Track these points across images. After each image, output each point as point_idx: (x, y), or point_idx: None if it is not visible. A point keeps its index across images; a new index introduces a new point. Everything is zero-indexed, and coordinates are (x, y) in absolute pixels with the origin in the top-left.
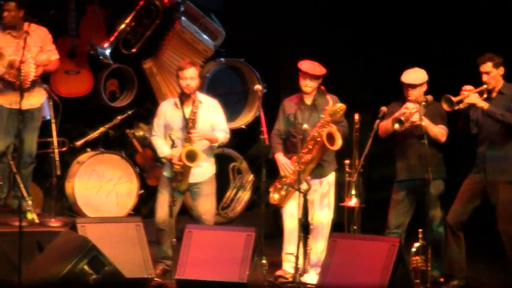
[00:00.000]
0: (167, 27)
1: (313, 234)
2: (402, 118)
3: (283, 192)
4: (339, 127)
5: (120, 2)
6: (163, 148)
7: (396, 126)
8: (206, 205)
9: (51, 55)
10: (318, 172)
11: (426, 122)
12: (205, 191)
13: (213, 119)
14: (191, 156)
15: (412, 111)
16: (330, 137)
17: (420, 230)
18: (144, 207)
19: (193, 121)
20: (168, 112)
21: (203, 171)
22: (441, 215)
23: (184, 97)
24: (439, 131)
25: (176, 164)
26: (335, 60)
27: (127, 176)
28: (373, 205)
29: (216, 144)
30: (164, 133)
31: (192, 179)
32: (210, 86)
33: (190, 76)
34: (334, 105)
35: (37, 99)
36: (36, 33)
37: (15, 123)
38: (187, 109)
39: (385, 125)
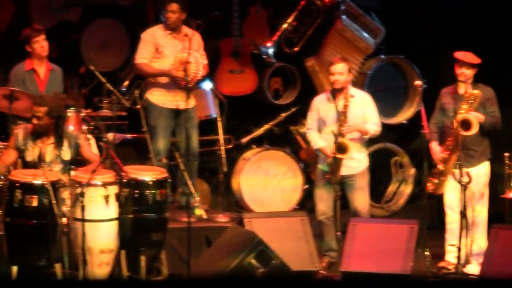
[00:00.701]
0: (328, 25)
1: (474, 226)
2: None
3: (436, 181)
4: (488, 117)
5: (281, 2)
6: (317, 140)
7: None
8: (360, 198)
9: (203, 60)
10: (468, 161)
11: None
12: (358, 183)
13: (365, 113)
14: (342, 149)
15: None
16: (466, 124)
17: None
18: (308, 202)
19: (345, 115)
20: (321, 106)
21: (356, 163)
22: None
23: (336, 91)
24: None
25: (329, 156)
26: (497, 54)
27: (292, 172)
28: None
29: (367, 136)
30: (317, 127)
31: (345, 171)
32: (371, 82)
33: (338, 71)
34: (470, 92)
35: (194, 99)
36: (193, 38)
37: (173, 122)
38: (340, 103)
39: None
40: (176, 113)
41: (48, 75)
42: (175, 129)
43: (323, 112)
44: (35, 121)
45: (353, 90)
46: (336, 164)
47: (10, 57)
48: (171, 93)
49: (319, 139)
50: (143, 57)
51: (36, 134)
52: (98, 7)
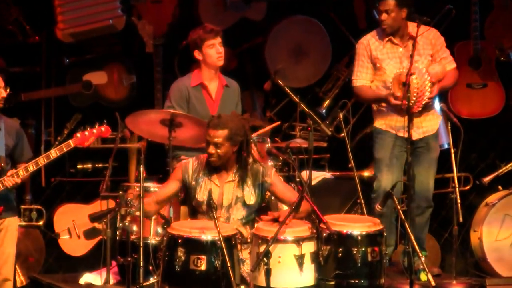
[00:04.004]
0: None
1: None
2: None
3: None
4: None
5: None
6: None
7: None
8: None
9: (447, 65)
10: None
11: None
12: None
13: None
14: None
15: None
16: None
17: None
18: None
19: None
20: None
21: None
22: None
23: None
24: None
25: None
26: None
27: None
28: None
29: None
30: None
31: None
32: None
33: None
34: None
35: (431, 123)
36: (424, 37)
37: (403, 155)
38: None
39: None
40: (402, 142)
41: (221, 93)
42: (405, 164)
43: None
44: (211, 150)
45: None
46: None
47: (171, 68)
48: (399, 118)
49: None
50: (362, 77)
51: (212, 166)
52: (289, 1)
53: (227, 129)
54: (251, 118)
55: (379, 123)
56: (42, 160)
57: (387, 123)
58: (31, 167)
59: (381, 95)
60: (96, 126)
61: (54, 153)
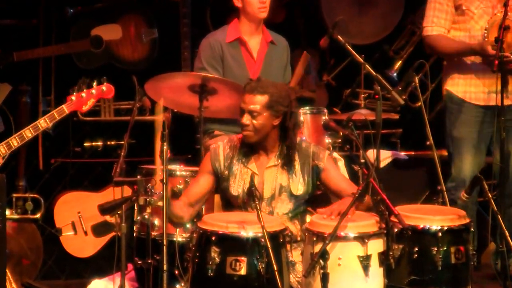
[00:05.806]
0: None
1: None
2: None
3: None
4: None
5: None
6: None
7: None
8: None
9: None
10: None
11: None
12: None
13: None
14: None
15: None
16: None
17: None
18: None
19: None
20: None
21: None
22: None
23: None
24: None
25: None
26: None
27: None
28: None
29: None
30: None
31: None
32: None
33: None
34: None
35: None
36: None
37: (488, 130)
38: None
39: None
40: (492, 114)
41: (265, 51)
42: (489, 140)
43: None
44: (246, 120)
45: None
46: None
47: (201, 20)
48: (483, 81)
49: None
50: (440, 24)
51: (248, 148)
52: None
53: (268, 95)
54: (299, 89)
55: (458, 89)
56: (28, 133)
57: (469, 90)
58: (15, 142)
59: (471, 45)
60: (94, 85)
61: (43, 122)
